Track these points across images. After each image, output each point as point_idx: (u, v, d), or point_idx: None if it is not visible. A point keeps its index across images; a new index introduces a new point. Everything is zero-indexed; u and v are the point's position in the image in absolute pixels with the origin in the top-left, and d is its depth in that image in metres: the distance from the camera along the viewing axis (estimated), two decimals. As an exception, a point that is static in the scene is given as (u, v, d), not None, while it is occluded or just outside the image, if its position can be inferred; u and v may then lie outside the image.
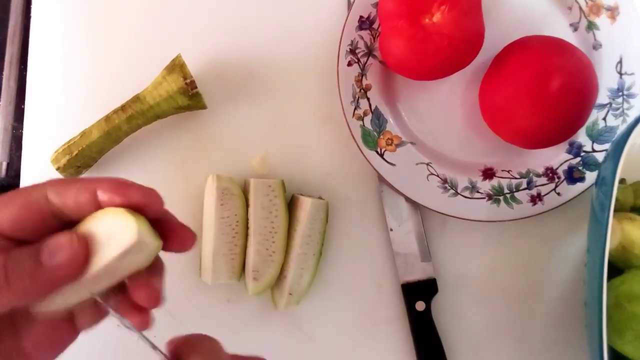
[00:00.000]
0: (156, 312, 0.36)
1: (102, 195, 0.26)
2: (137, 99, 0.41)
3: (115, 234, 0.25)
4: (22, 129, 0.46)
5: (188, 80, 0.40)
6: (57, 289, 0.25)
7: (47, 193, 0.26)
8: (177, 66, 0.41)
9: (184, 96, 0.41)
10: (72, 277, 0.25)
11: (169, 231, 0.28)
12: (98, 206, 0.26)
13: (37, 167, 0.45)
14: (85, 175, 0.44)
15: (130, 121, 0.41)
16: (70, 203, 0.26)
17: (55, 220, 0.26)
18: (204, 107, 0.43)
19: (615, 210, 0.37)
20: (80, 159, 0.42)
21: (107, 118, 0.42)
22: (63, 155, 0.42)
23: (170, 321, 0.43)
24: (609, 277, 0.35)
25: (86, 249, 0.25)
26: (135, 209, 0.26)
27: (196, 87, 0.41)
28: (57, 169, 0.42)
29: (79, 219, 0.26)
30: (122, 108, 0.41)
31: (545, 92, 0.35)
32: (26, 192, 0.26)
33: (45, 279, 0.25)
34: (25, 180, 0.45)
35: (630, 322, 0.33)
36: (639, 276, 0.34)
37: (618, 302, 0.34)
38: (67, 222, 0.27)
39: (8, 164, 0.46)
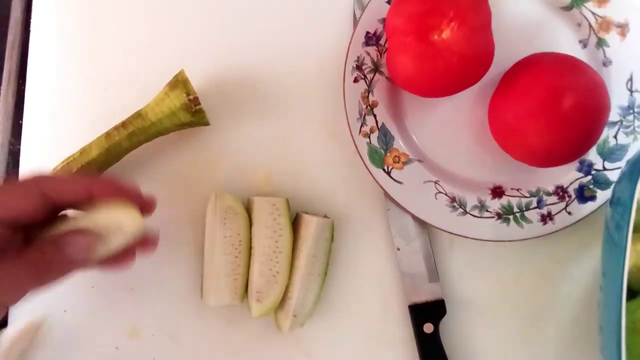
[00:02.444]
0: (156, 334, 0.36)
1: (97, 193, 0.32)
2: (138, 115, 0.40)
3: (122, 225, 0.32)
4: (19, 145, 0.45)
5: (191, 97, 0.39)
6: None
7: (45, 189, 0.30)
8: (180, 82, 0.40)
9: (187, 112, 0.40)
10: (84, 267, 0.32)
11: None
12: (91, 200, 0.32)
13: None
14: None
15: (131, 138, 0.40)
16: (65, 198, 0.31)
17: (49, 206, 0.31)
18: (207, 123, 0.42)
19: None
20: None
21: (108, 135, 0.41)
22: (62, 172, 0.41)
23: (170, 344, 0.42)
24: (627, 302, 0.34)
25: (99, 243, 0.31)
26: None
27: (199, 104, 0.40)
28: None
29: (71, 207, 0.33)
30: (123, 124, 0.40)
31: (557, 110, 0.34)
32: (24, 184, 0.31)
33: (67, 271, 0.31)
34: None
35: (648, 348, 0.32)
36: (657, 300, 0.33)
37: (635, 327, 0.33)
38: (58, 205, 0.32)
39: (4, 181, 0.45)
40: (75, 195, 0.32)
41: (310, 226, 0.39)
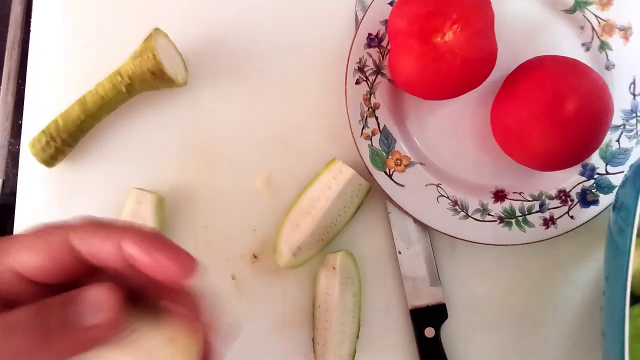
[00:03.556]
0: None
1: (129, 249, 0.23)
2: (117, 73, 0.41)
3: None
4: (19, 145, 0.45)
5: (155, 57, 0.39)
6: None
7: (70, 239, 0.23)
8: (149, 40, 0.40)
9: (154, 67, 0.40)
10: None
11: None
12: (123, 258, 0.23)
13: (35, 185, 0.44)
14: (68, 160, 0.43)
15: (113, 94, 0.41)
16: (94, 251, 0.23)
17: (79, 263, 0.24)
18: (182, 84, 0.42)
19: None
20: (61, 136, 0.41)
21: (89, 93, 0.41)
22: (42, 136, 0.41)
23: None
24: (630, 308, 0.34)
25: None
26: (162, 271, 0.23)
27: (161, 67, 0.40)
28: (34, 152, 0.41)
29: (102, 266, 0.24)
30: (103, 82, 0.41)
31: (561, 113, 0.34)
32: (48, 234, 0.24)
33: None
34: (22, 199, 0.44)
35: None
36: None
37: (637, 332, 0.32)
38: (91, 266, 0.24)
39: (4, 181, 0.45)
40: (106, 256, 0.24)
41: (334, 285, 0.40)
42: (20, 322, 0.21)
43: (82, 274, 0.24)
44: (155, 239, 0.23)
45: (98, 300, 0.22)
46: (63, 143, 0.41)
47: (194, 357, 0.24)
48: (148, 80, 0.40)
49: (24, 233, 0.24)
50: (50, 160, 0.42)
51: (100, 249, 0.23)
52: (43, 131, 0.41)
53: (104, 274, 0.24)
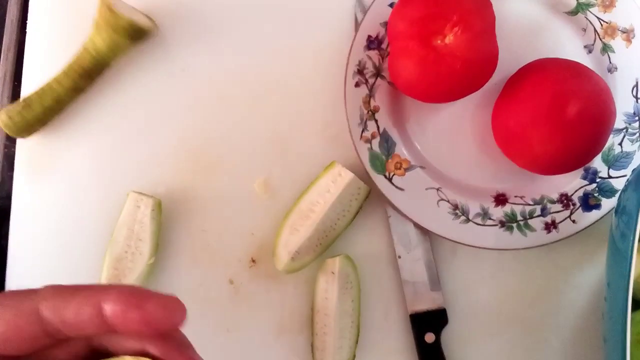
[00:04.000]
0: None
1: (111, 309, 0.21)
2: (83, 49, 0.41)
3: None
4: (14, 148, 0.44)
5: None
6: None
7: (41, 307, 0.21)
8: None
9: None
10: None
11: None
12: (103, 323, 0.21)
13: (29, 189, 0.43)
14: (48, 133, 0.43)
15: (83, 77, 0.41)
16: (68, 320, 0.21)
17: (45, 334, 0.22)
18: (152, 31, 0.42)
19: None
20: (35, 109, 0.41)
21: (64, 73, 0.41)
22: (17, 107, 0.41)
23: None
24: (632, 312, 0.34)
25: None
26: (154, 322, 0.22)
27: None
28: (6, 125, 0.41)
29: (77, 336, 0.22)
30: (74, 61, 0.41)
31: (562, 117, 0.34)
32: (16, 302, 0.22)
33: None
34: (17, 204, 0.43)
35: (655, 361, 0.31)
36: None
37: (639, 338, 0.32)
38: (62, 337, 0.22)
39: (1, 182, 0.44)
40: (83, 322, 0.22)
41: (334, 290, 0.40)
42: None
43: (47, 344, 0.22)
44: (140, 292, 0.22)
45: None
46: (38, 115, 0.41)
47: None
48: (114, 38, 0.40)
49: None
50: (23, 129, 0.42)
51: (76, 316, 0.21)
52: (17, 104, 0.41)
53: (70, 341, 0.23)
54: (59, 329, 0.21)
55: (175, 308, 0.22)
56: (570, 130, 0.34)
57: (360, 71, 0.40)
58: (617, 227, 0.33)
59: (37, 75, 0.44)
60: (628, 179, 0.33)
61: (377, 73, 0.40)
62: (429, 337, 0.40)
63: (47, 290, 0.22)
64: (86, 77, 0.41)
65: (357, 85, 0.40)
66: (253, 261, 0.42)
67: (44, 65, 0.44)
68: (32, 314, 0.21)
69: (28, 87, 0.44)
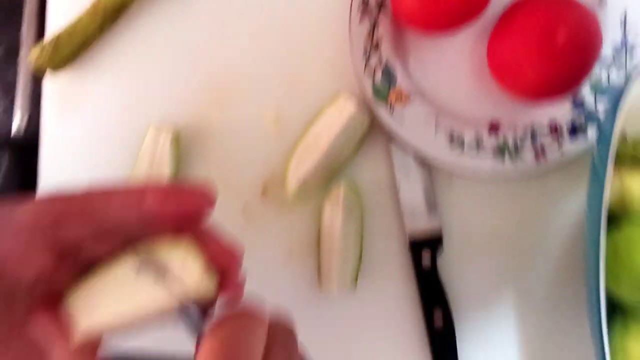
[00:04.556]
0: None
1: (152, 199, 0.24)
2: None
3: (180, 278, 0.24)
4: (41, 86, 0.47)
5: None
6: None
7: (88, 205, 0.24)
8: None
9: None
10: None
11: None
12: (144, 217, 0.24)
13: (57, 122, 0.47)
14: (74, 70, 0.45)
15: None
16: (112, 216, 0.24)
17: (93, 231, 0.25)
18: None
19: (615, 164, 0.39)
20: (65, 48, 0.43)
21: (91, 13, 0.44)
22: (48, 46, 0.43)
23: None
24: (609, 230, 0.37)
25: None
26: (189, 205, 0.25)
27: None
28: (37, 63, 0.43)
29: (118, 230, 0.25)
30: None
31: (551, 44, 0.36)
32: (66, 200, 0.24)
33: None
34: (46, 138, 0.47)
35: (625, 268, 0.35)
36: (636, 225, 0.36)
37: (615, 249, 0.35)
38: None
39: (29, 119, 0.48)
40: (125, 212, 0.24)
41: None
42: None
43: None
44: (173, 185, 0.25)
45: None
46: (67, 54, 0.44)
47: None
48: None
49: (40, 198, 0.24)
50: (53, 66, 0.44)
51: (120, 212, 0.24)
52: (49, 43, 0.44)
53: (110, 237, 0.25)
54: (104, 222, 0.24)
55: (205, 191, 0.26)
56: (558, 58, 0.36)
57: (364, 6, 0.42)
58: (597, 153, 0.36)
59: (62, 10, 0.46)
60: (607, 108, 0.36)
61: (380, 8, 0.42)
62: (426, 259, 0.43)
63: (90, 191, 0.25)
64: (111, 16, 0.44)
65: (360, 20, 0.42)
66: (264, 191, 0.45)
67: (68, 5, 0.46)
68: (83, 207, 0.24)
69: (54, 23, 0.46)
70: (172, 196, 0.25)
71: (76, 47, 0.44)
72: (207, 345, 0.23)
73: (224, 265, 0.26)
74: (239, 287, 0.27)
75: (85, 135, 0.46)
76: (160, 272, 0.24)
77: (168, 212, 0.25)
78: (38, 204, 0.24)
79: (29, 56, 0.43)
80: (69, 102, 0.46)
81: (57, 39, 0.43)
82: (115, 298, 0.24)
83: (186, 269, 0.24)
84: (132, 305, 0.24)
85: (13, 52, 0.48)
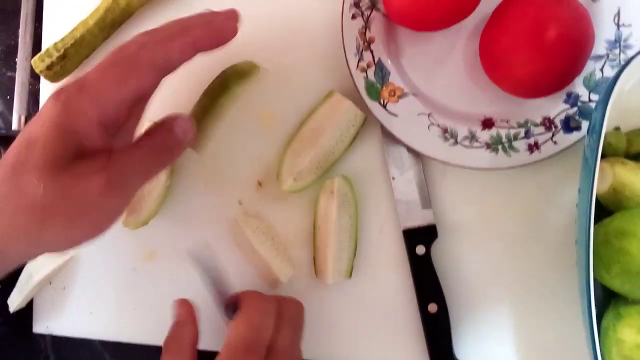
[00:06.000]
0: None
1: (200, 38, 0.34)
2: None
3: None
4: (38, 85, 0.48)
5: None
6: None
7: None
8: None
9: None
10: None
11: None
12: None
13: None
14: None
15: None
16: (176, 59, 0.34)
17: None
18: None
19: (608, 155, 0.39)
20: (73, 61, 0.45)
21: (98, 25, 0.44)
22: (53, 50, 0.44)
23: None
24: (600, 219, 0.37)
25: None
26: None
27: None
28: (46, 75, 0.44)
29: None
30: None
31: (542, 41, 0.36)
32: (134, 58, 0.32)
33: (179, 153, 0.35)
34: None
35: (617, 256, 0.35)
36: (628, 215, 0.36)
37: (606, 238, 0.36)
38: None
39: (26, 118, 0.48)
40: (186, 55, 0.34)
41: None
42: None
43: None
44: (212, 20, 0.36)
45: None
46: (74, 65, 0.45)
47: None
48: None
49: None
50: (55, 73, 0.45)
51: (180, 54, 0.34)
52: (49, 48, 0.44)
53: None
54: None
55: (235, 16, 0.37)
56: (550, 54, 0.36)
57: (356, 4, 0.42)
58: (588, 144, 0.36)
59: (59, 11, 0.47)
60: (598, 99, 0.36)
61: (372, 5, 0.43)
62: (420, 250, 0.43)
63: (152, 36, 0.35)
64: (116, 26, 0.45)
65: (353, 17, 0.43)
66: (260, 184, 0.46)
67: (63, 5, 0.47)
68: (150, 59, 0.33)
69: (51, 23, 0.47)
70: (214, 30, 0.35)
71: (83, 58, 0.45)
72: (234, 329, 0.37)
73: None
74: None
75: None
76: None
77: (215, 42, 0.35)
78: None
79: (34, 66, 0.44)
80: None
81: (65, 53, 0.44)
82: None
83: None
84: None
85: (11, 52, 0.49)
